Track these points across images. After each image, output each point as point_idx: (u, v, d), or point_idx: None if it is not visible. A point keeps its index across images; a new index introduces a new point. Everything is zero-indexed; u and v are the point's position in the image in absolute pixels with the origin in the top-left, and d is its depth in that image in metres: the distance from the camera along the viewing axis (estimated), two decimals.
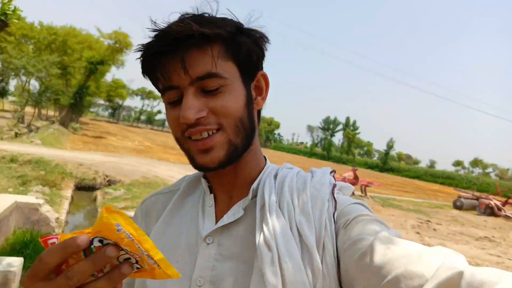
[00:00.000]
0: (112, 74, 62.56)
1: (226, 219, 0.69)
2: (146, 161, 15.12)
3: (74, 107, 33.26)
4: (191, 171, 0.78)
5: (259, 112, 0.74)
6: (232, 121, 0.65)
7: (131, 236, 0.42)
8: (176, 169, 13.95)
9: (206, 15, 0.67)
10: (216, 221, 0.71)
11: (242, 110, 0.66)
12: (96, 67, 31.34)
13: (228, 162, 0.67)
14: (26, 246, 4.79)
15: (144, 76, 0.70)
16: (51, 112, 46.84)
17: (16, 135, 17.43)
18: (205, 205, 0.74)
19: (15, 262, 3.60)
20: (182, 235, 0.72)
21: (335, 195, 0.66)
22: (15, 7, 6.22)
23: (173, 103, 0.67)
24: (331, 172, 0.72)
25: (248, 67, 0.69)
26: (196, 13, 0.66)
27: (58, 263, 0.43)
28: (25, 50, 30.66)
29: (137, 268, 0.46)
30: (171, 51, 0.62)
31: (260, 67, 0.72)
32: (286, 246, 0.60)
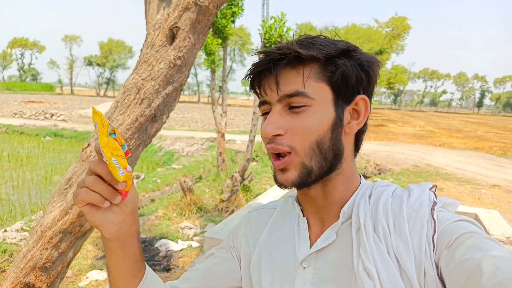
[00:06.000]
0: (392, 61, 62.79)
1: (320, 243, 0.69)
2: (421, 148, 14.51)
3: None
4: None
5: (358, 135, 0.72)
6: (307, 144, 0.65)
7: (98, 132, 0.58)
8: (453, 156, 12.60)
9: (322, 37, 0.69)
10: (311, 245, 0.71)
11: (323, 133, 0.66)
12: None
13: (301, 184, 0.67)
14: None
15: (251, 90, 0.75)
16: None
17: None
18: (300, 228, 0.75)
19: None
20: (283, 256, 0.75)
21: (435, 215, 0.61)
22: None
23: (265, 116, 0.71)
24: (431, 188, 0.66)
25: (344, 90, 0.67)
26: (314, 35, 0.69)
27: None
28: None
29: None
30: (269, 69, 0.66)
31: (360, 91, 0.69)
32: (388, 275, 0.58)
